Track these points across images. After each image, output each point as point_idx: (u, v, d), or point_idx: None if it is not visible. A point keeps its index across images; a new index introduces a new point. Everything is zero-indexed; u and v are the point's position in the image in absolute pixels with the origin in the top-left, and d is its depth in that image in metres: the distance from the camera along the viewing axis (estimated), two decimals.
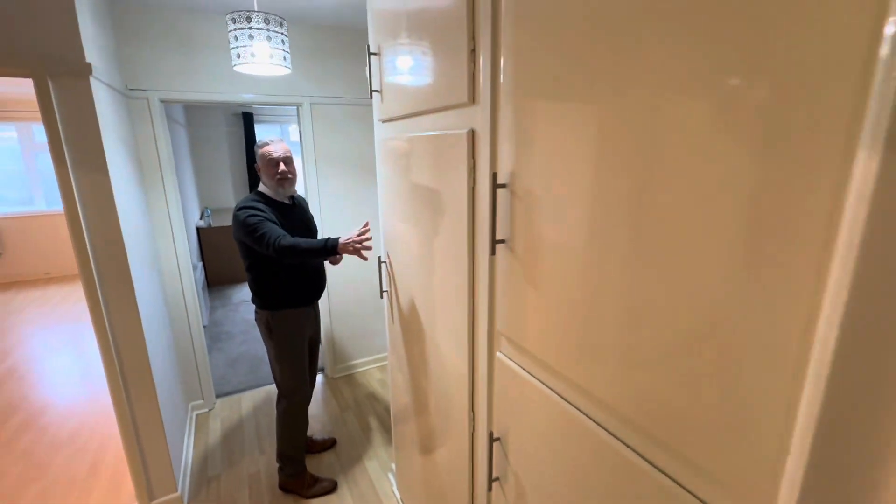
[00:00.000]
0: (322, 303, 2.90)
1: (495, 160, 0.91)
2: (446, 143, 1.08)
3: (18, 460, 2.25)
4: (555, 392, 0.82)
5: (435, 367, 1.36)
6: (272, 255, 1.66)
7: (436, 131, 1.14)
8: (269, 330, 1.87)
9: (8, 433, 2.48)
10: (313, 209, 2.73)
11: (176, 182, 2.41)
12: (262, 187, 1.87)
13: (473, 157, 0.98)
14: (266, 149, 1.80)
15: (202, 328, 2.62)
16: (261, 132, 6.24)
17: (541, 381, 0.86)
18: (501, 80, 0.85)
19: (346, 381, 2.96)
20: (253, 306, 1.90)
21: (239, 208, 1.76)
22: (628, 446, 0.67)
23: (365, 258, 1.68)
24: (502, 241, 0.90)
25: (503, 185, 0.88)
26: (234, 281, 5.15)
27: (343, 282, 2.89)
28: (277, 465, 2.04)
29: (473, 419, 1.16)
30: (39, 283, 5.22)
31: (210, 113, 5.75)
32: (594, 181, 0.66)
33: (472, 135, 0.98)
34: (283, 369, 1.90)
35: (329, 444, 2.30)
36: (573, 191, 0.70)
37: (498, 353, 1.00)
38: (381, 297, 1.67)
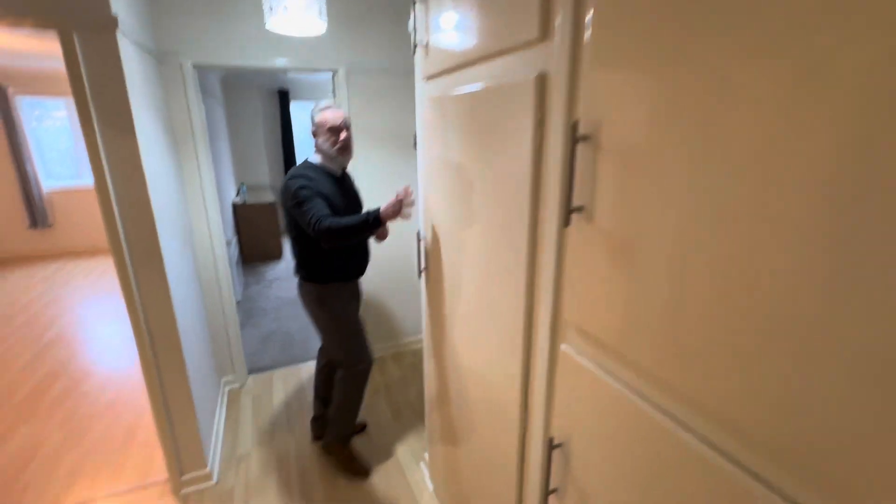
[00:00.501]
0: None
1: (574, 107, 0.73)
2: (506, 94, 0.91)
3: (60, 427, 2.29)
4: (643, 397, 0.65)
5: (479, 358, 1.21)
6: (312, 236, 1.56)
7: (493, 81, 0.96)
8: (321, 302, 1.79)
9: (51, 399, 2.53)
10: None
11: (209, 153, 2.34)
12: (316, 157, 1.74)
13: (543, 107, 0.81)
14: (326, 114, 1.68)
15: (235, 303, 2.58)
16: (296, 111, 6.19)
17: (623, 383, 0.69)
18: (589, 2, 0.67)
19: (376, 364, 2.87)
20: (294, 280, 1.82)
21: (291, 177, 1.64)
22: (756, 476, 0.49)
23: (408, 217, 1.52)
24: (579, 209, 0.73)
25: (584, 138, 0.70)
26: (269, 258, 5.17)
27: (375, 259, 2.78)
28: (328, 425, 2.00)
29: (526, 420, 1.01)
30: (86, 254, 5.42)
31: (246, 89, 5.74)
32: (728, 124, 0.47)
33: (543, 79, 0.80)
34: (341, 340, 1.85)
35: (359, 429, 2.21)
36: (696, 138, 0.52)
37: (563, 346, 0.84)
38: (420, 276, 1.53)
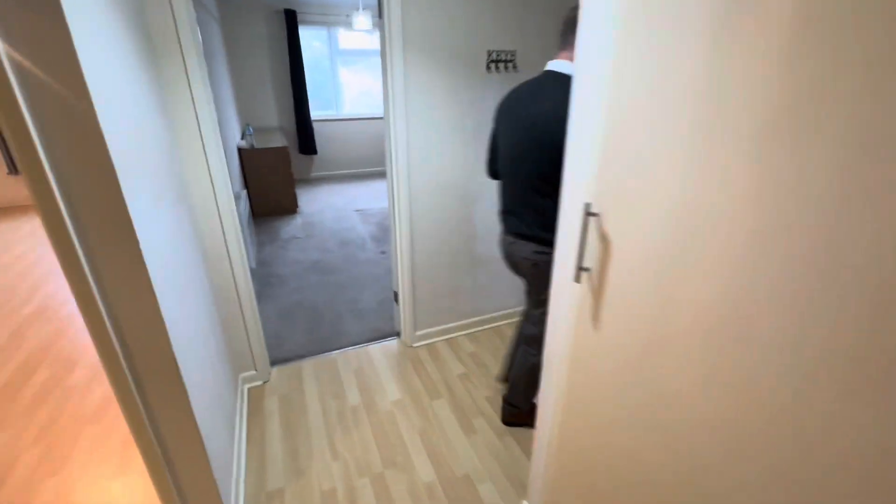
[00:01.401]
0: (402, 251, 2.19)
1: None
2: None
3: (37, 441, 1.78)
4: None
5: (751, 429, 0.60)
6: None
7: None
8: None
9: (29, 396, 2.02)
10: (397, 124, 1.91)
11: (206, 75, 1.63)
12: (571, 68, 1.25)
13: None
14: None
15: (250, 278, 1.98)
16: (306, 36, 5.27)
17: None
18: None
19: (429, 353, 2.32)
20: (523, 247, 1.44)
21: None
22: None
23: None
24: None
25: None
26: (282, 212, 4.53)
27: (427, 224, 2.13)
28: (507, 401, 1.79)
29: None
30: None
31: (247, 9, 4.81)
32: None
33: None
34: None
35: None
36: None
37: None
38: (577, 278, 0.88)
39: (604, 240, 0.81)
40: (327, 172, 5.91)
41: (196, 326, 1.40)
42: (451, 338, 2.43)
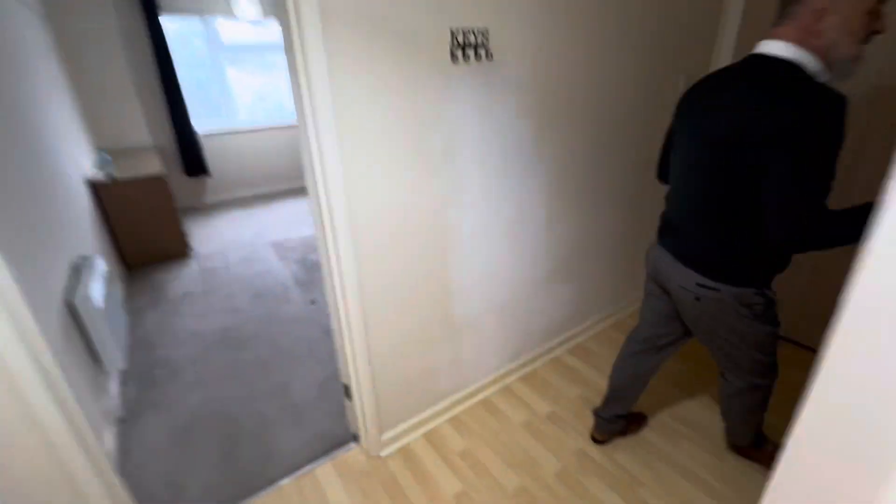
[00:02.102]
0: (352, 330, 1.48)
1: None
2: None
3: None
4: None
5: None
6: (776, 225, 0.92)
7: None
8: (767, 311, 1.14)
9: None
10: (323, 150, 1.19)
11: None
12: (804, 56, 0.93)
13: None
14: None
15: (102, 458, 1.16)
16: (177, 30, 4.18)
17: None
18: None
19: (405, 464, 1.65)
20: (696, 282, 1.15)
21: (827, 101, 0.86)
22: None
23: None
24: None
25: None
26: (167, 258, 3.48)
27: (381, 289, 1.45)
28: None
29: None
30: None
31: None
32: None
33: None
34: (770, 351, 1.26)
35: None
36: None
37: None
38: None
39: None
40: (226, 196, 4.85)
41: None
42: (429, 430, 1.78)
